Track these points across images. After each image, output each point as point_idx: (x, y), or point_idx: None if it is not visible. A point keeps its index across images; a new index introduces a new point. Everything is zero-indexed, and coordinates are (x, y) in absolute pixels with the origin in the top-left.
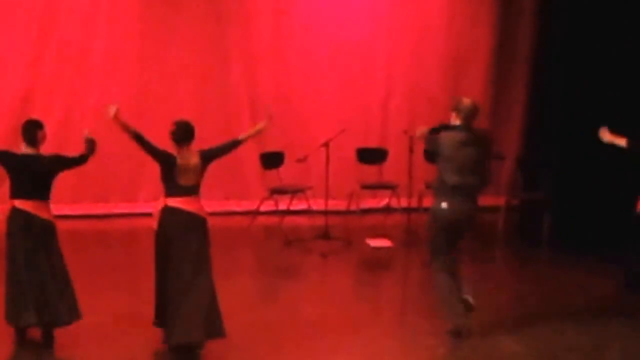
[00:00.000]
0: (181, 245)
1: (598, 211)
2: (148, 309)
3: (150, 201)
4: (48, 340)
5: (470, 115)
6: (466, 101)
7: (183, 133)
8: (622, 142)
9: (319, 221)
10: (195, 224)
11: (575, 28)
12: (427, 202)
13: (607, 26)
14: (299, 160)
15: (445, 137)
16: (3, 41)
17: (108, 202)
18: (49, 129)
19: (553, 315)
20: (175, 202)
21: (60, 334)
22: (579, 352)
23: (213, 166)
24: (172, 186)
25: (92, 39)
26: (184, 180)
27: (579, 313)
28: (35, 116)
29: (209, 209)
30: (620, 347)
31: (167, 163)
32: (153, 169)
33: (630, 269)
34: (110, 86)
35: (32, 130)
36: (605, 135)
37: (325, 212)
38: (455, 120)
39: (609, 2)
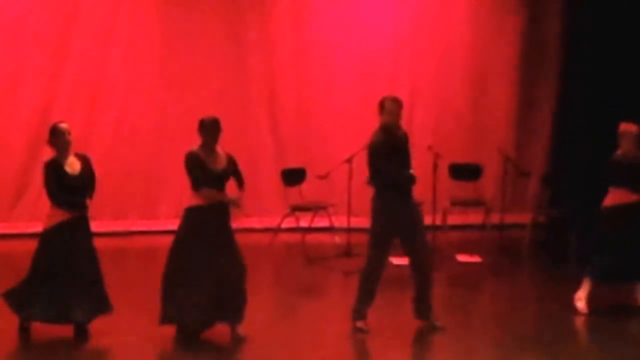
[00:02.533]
0: None
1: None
2: (168, 329)
3: (170, 218)
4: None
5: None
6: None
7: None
8: None
9: (341, 239)
10: None
11: (602, 42)
12: (452, 219)
13: (637, 39)
14: (321, 177)
15: None
16: (23, 55)
17: (127, 219)
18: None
19: (578, 332)
20: None
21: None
22: None
23: (233, 182)
24: None
25: (111, 52)
26: None
27: (602, 330)
28: (45, 146)
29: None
30: None
31: None
32: (172, 185)
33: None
34: (130, 100)
35: None
36: None
37: (348, 230)
38: None
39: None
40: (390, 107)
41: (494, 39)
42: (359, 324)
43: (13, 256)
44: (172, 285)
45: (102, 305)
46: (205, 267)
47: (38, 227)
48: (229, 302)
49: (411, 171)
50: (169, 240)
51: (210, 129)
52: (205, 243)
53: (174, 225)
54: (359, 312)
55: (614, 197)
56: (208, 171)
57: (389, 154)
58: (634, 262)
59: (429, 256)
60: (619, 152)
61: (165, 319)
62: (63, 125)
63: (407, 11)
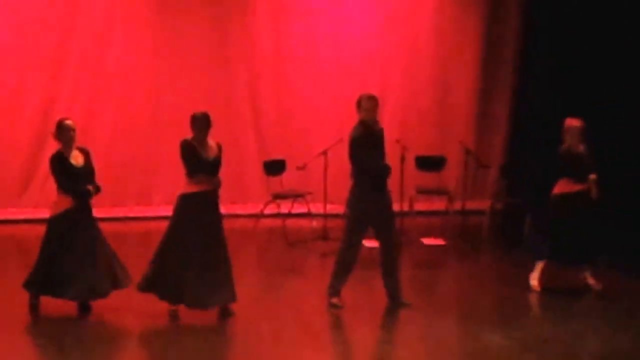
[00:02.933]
0: None
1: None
2: (162, 305)
3: (164, 205)
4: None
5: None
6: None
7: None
8: None
9: (318, 224)
10: None
11: (556, 44)
12: (418, 206)
13: (589, 40)
14: (299, 168)
15: None
16: (26, 56)
17: (124, 206)
18: None
19: (530, 308)
20: None
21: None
22: (556, 342)
23: (220, 172)
24: None
25: (108, 54)
26: None
27: (554, 306)
28: (49, 138)
29: None
30: (595, 337)
31: None
32: (166, 174)
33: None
34: (125, 98)
35: None
36: None
37: (324, 216)
38: None
39: (593, 14)
40: (367, 105)
41: (456, 43)
42: (334, 300)
43: (21, 239)
44: (169, 266)
45: (116, 280)
46: (199, 250)
47: (44, 213)
48: (223, 284)
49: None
50: (162, 225)
51: (201, 122)
52: (198, 228)
53: (167, 211)
54: (334, 290)
55: (561, 187)
56: (201, 159)
57: (368, 147)
58: (580, 246)
59: (395, 244)
60: (564, 145)
61: (146, 288)
62: (68, 122)
63: (378, 18)
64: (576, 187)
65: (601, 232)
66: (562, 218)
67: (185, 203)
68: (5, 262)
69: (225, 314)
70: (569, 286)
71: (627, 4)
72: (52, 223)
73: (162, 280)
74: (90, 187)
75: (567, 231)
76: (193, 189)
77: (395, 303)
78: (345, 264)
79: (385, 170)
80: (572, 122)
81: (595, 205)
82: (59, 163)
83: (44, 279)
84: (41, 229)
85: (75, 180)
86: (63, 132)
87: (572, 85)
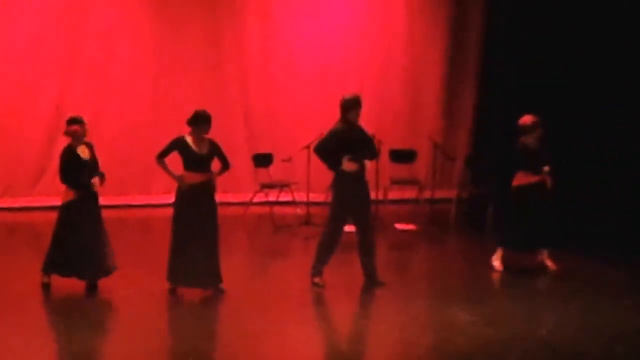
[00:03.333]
0: None
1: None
2: (161, 284)
3: (162, 194)
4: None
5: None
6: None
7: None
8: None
9: (302, 211)
10: None
11: (514, 47)
12: (391, 194)
13: (545, 44)
14: (285, 160)
15: None
16: (37, 63)
17: (127, 194)
18: None
19: (492, 286)
20: None
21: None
22: (516, 317)
23: (214, 164)
24: None
25: (113, 58)
26: None
27: (514, 285)
28: (60, 134)
29: None
30: (550, 313)
31: None
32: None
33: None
34: (129, 97)
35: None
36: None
37: (307, 203)
38: None
39: (549, 19)
40: (349, 107)
41: (425, 48)
42: (316, 279)
43: (35, 224)
44: (176, 253)
45: (108, 267)
46: (197, 236)
47: (55, 201)
48: (216, 267)
49: (346, 158)
50: (161, 212)
51: (202, 119)
52: (196, 215)
53: (165, 199)
54: (317, 270)
55: (519, 179)
56: (193, 154)
57: (339, 141)
58: (534, 235)
59: (371, 229)
60: (520, 140)
61: (172, 280)
62: (81, 120)
63: (355, 26)
64: (532, 179)
65: (554, 221)
66: (519, 208)
67: (181, 194)
68: (20, 245)
69: (218, 291)
70: (528, 267)
71: (579, 9)
72: (63, 210)
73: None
74: (95, 180)
75: (522, 221)
76: (189, 180)
77: (371, 282)
78: (328, 247)
79: (334, 167)
80: (527, 119)
81: (550, 196)
82: (69, 156)
83: (55, 260)
84: (53, 216)
85: (82, 171)
86: (75, 128)
87: (529, 85)
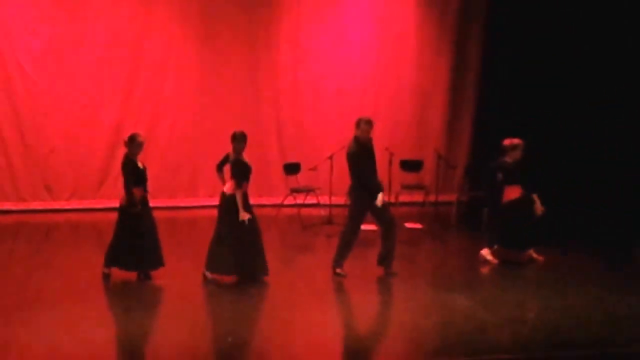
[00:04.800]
0: None
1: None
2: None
3: (207, 197)
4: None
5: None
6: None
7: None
8: None
9: (325, 212)
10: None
11: (510, 74)
12: (402, 198)
13: (533, 70)
14: (311, 169)
15: None
16: (103, 87)
17: (177, 197)
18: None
19: (488, 276)
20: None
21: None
22: (507, 302)
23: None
24: None
25: (165, 80)
26: None
27: (506, 275)
28: (121, 143)
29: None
30: (537, 298)
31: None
32: (207, 175)
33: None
34: (178, 116)
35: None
36: None
37: (330, 206)
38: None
39: (538, 46)
40: (365, 127)
41: (432, 73)
42: (338, 270)
43: (98, 222)
44: (223, 248)
45: (160, 260)
46: (243, 235)
47: (115, 204)
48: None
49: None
50: (206, 212)
51: (240, 139)
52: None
53: (209, 202)
54: (339, 262)
55: (508, 195)
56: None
57: (363, 158)
58: (526, 236)
59: (395, 224)
60: (508, 159)
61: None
62: (139, 136)
63: (371, 54)
64: (518, 193)
65: (539, 226)
66: (511, 218)
67: (230, 200)
68: (84, 241)
69: (257, 281)
70: (518, 260)
71: (575, 31)
72: (122, 211)
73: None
74: (145, 192)
75: (513, 228)
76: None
77: (385, 272)
78: (348, 243)
79: (378, 188)
80: (507, 141)
81: (535, 207)
82: (133, 165)
83: (115, 254)
84: (113, 216)
85: (140, 177)
86: (134, 143)
87: (520, 106)
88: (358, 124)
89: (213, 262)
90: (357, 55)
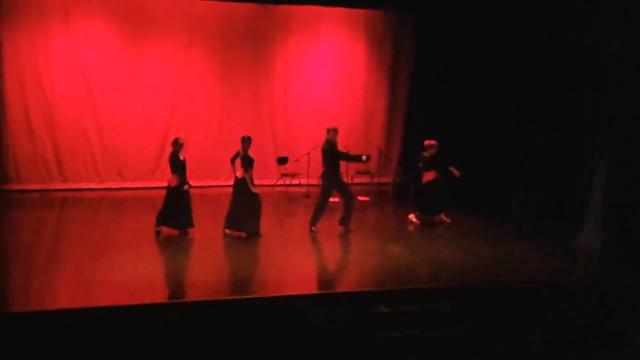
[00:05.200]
0: None
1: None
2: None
3: (226, 180)
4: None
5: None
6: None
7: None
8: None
9: (304, 190)
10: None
11: (432, 89)
12: (356, 179)
13: (446, 94)
14: (295, 160)
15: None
16: (154, 105)
17: (205, 179)
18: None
19: (413, 232)
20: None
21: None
22: (427, 249)
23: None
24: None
25: (196, 102)
26: None
27: (425, 231)
28: (169, 142)
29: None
30: (447, 248)
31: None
32: (226, 163)
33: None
34: (205, 126)
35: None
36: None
37: (307, 185)
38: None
39: (450, 79)
40: (332, 133)
41: (375, 96)
42: (314, 228)
43: (153, 197)
44: (236, 213)
45: (191, 222)
46: (245, 203)
47: (164, 184)
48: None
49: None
50: (224, 190)
51: (247, 140)
52: (244, 192)
53: (227, 183)
54: (314, 223)
55: (426, 177)
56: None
57: (333, 153)
58: (439, 204)
59: (353, 197)
60: (426, 154)
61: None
62: (180, 139)
63: (336, 82)
64: (433, 176)
65: (447, 197)
66: (428, 193)
67: (240, 181)
68: (143, 209)
69: (256, 235)
70: (432, 221)
71: (466, 75)
72: (169, 189)
73: (231, 219)
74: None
75: (430, 197)
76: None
77: (345, 230)
78: (320, 209)
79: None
80: (426, 142)
81: (448, 184)
82: (176, 158)
83: (163, 217)
84: (162, 192)
85: (182, 167)
86: (177, 143)
87: (435, 118)
88: (328, 131)
89: (229, 222)
90: (326, 83)
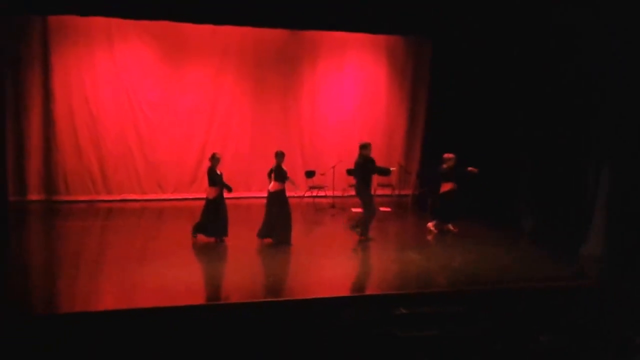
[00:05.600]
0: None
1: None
2: (256, 239)
3: (258, 192)
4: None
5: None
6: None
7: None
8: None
9: (330, 201)
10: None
11: (446, 113)
12: (379, 192)
13: (461, 115)
14: (322, 174)
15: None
16: (191, 122)
17: (238, 191)
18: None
19: (430, 240)
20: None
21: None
22: (442, 255)
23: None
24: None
25: (231, 120)
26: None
27: (439, 239)
28: (205, 157)
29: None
30: (458, 253)
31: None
32: (258, 175)
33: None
34: (239, 142)
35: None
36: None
37: (333, 197)
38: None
39: (463, 100)
40: (367, 149)
41: (396, 116)
42: (363, 237)
43: (190, 208)
44: (270, 222)
45: (227, 230)
46: (278, 215)
47: (202, 195)
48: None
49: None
50: (256, 201)
51: (280, 155)
52: (280, 204)
53: (258, 194)
54: (364, 233)
55: (443, 188)
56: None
57: (369, 166)
58: (451, 214)
59: (373, 214)
60: (445, 166)
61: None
62: (217, 154)
63: (358, 103)
64: (450, 187)
65: (462, 206)
66: (444, 201)
67: (274, 194)
68: (181, 219)
69: (287, 244)
70: (443, 229)
71: (476, 93)
72: (208, 201)
73: (265, 228)
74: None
75: (445, 206)
76: (278, 187)
77: (358, 233)
78: (369, 220)
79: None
80: (445, 155)
81: (460, 194)
82: (214, 172)
83: (201, 226)
84: (200, 203)
85: (219, 180)
86: (215, 158)
87: (450, 136)
88: (363, 146)
89: (262, 230)
90: (350, 103)
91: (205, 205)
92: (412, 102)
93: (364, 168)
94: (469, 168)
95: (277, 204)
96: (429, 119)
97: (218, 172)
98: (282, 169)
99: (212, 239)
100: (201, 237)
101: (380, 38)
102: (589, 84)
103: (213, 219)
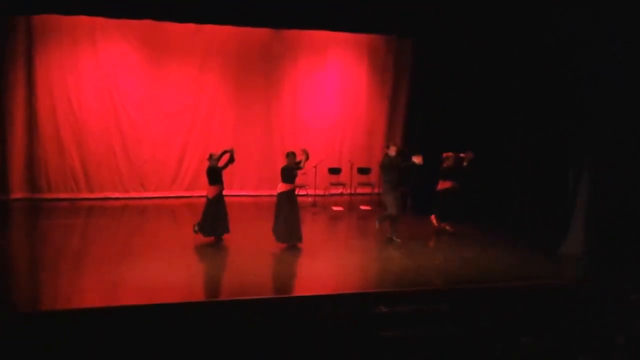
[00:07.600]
0: None
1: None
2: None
3: (253, 189)
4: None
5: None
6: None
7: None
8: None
9: (311, 199)
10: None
11: (426, 111)
12: (359, 190)
13: (441, 111)
14: (304, 173)
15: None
16: (173, 122)
17: (232, 189)
18: (197, 159)
19: (410, 240)
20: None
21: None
22: (423, 254)
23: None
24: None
25: (213, 118)
26: None
27: (426, 238)
28: (187, 156)
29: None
30: (451, 252)
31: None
32: (243, 173)
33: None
34: (220, 140)
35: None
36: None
37: (314, 195)
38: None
39: (443, 96)
40: (393, 149)
41: (376, 115)
42: (395, 238)
43: (172, 206)
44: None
45: (227, 228)
46: (287, 213)
47: (183, 193)
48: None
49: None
50: (236, 199)
51: (290, 156)
52: (289, 204)
53: (241, 192)
54: (394, 233)
55: (440, 185)
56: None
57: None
58: (450, 214)
59: (397, 214)
60: (445, 164)
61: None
62: (214, 154)
63: (339, 102)
64: (448, 185)
65: (460, 206)
66: (442, 199)
67: (282, 195)
68: (163, 217)
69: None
70: (439, 229)
71: (457, 91)
72: (208, 200)
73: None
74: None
75: (443, 205)
76: (286, 188)
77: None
78: (394, 220)
79: (413, 166)
80: (445, 154)
81: (460, 193)
82: (214, 170)
83: (202, 225)
84: (183, 201)
85: (220, 176)
86: (212, 158)
87: (429, 134)
88: (388, 146)
89: (284, 235)
90: (332, 102)
91: (205, 205)
92: (393, 101)
93: (390, 168)
94: (414, 158)
95: (288, 205)
96: (408, 117)
97: (214, 164)
98: (289, 169)
99: (211, 239)
100: (189, 236)
101: (362, 37)
102: (572, 78)
103: (216, 216)
